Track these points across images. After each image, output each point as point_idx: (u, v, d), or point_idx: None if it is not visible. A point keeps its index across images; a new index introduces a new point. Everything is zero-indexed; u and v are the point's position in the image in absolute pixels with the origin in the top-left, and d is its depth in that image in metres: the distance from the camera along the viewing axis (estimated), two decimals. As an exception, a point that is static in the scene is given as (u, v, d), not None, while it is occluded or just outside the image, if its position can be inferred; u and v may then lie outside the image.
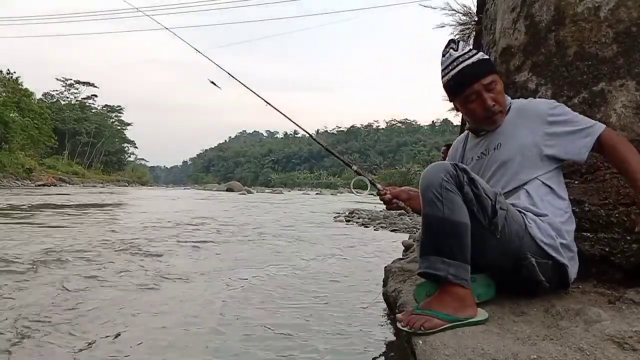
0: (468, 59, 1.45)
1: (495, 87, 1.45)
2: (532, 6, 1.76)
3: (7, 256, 2.85)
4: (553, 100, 1.47)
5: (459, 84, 1.46)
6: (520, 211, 1.34)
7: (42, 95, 54.32)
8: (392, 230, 5.71)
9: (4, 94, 32.22)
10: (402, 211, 1.56)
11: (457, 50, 1.47)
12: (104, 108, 64.04)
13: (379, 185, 1.57)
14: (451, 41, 1.51)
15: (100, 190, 20.68)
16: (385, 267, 2.14)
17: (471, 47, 1.50)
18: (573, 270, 1.36)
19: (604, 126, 1.36)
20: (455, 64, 1.46)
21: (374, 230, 5.80)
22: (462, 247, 1.23)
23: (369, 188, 1.64)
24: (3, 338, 1.49)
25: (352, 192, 1.68)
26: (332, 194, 26.63)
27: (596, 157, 1.53)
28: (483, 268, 1.37)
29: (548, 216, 1.33)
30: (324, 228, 5.90)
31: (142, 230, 4.69)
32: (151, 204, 10.83)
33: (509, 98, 1.52)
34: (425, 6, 3.41)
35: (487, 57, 1.49)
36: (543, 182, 1.37)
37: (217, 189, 26.55)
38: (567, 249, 1.33)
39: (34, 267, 2.61)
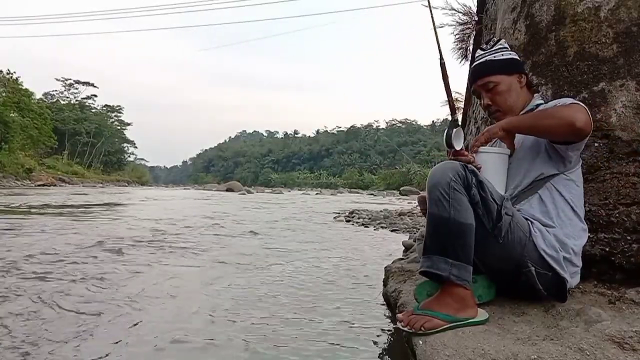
0: (480, 58, 1.53)
1: (495, 88, 1.48)
2: (532, 6, 1.76)
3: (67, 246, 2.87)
4: (568, 98, 1.45)
5: (468, 81, 1.61)
6: (527, 219, 1.33)
7: (42, 95, 54.40)
8: (392, 231, 5.70)
9: (4, 94, 32.22)
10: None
11: (483, 50, 1.54)
12: (104, 108, 64.01)
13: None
14: (489, 40, 1.59)
15: (103, 190, 20.68)
16: (386, 267, 2.15)
17: (503, 45, 1.53)
18: (573, 284, 1.35)
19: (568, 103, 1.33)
20: (474, 62, 1.56)
21: (374, 230, 5.79)
22: (465, 248, 1.22)
23: (462, 142, 1.52)
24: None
25: (447, 144, 1.49)
26: (332, 194, 26.60)
27: (596, 157, 1.53)
28: (483, 270, 1.37)
29: (555, 228, 1.32)
30: (324, 228, 5.89)
31: (160, 226, 4.70)
32: (156, 204, 10.82)
33: (539, 98, 1.53)
34: (426, 6, 3.41)
35: (498, 57, 1.49)
36: (560, 193, 1.36)
37: (217, 189, 26.53)
38: (570, 263, 1.31)
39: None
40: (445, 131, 1.53)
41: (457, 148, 1.50)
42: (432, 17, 1.60)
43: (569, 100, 1.37)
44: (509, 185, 1.43)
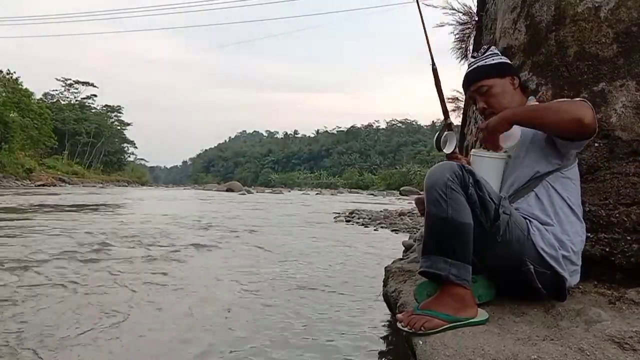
0: (472, 65, 1.55)
1: (489, 91, 1.50)
2: (533, 6, 1.76)
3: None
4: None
5: (463, 88, 1.61)
6: (525, 217, 1.33)
7: (42, 95, 54.35)
8: (392, 231, 5.70)
9: (4, 94, 32.21)
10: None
11: (474, 57, 1.57)
12: (104, 108, 63.97)
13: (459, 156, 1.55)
14: (482, 47, 1.61)
15: (105, 191, 20.72)
16: (386, 268, 2.14)
17: (494, 52, 1.56)
18: (572, 283, 1.35)
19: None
20: (467, 69, 1.57)
21: (374, 230, 5.79)
22: (464, 248, 1.23)
23: (454, 146, 1.56)
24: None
25: (438, 147, 1.56)
26: (332, 194, 26.61)
27: (596, 157, 1.53)
28: (483, 270, 1.37)
29: (554, 226, 1.32)
30: (324, 228, 5.89)
31: (160, 227, 4.71)
32: (158, 204, 10.84)
33: (533, 100, 1.54)
34: (427, 5, 3.41)
35: (489, 62, 1.52)
36: (557, 191, 1.35)
37: (217, 189, 26.50)
38: (569, 262, 1.31)
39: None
40: (436, 134, 1.56)
41: (447, 152, 1.51)
42: (424, 24, 1.64)
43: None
44: (505, 184, 1.43)
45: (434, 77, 1.62)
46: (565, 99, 1.39)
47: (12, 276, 2.40)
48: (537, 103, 1.52)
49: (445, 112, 1.64)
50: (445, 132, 1.55)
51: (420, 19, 1.65)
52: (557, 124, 1.27)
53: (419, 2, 1.69)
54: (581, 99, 1.32)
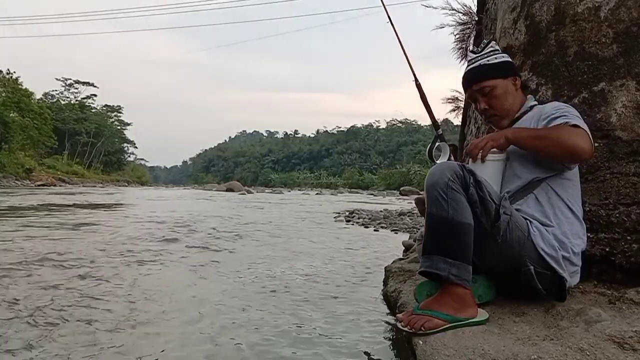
0: (474, 62, 1.52)
1: (492, 92, 1.48)
2: (533, 6, 1.76)
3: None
4: (563, 104, 1.45)
5: (463, 86, 1.59)
6: (526, 218, 1.33)
7: (42, 95, 54.46)
8: (392, 231, 5.70)
9: (4, 94, 32.26)
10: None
11: (475, 53, 1.54)
12: (104, 108, 64.04)
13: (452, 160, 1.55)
14: (482, 42, 1.59)
15: (108, 191, 20.77)
16: (386, 267, 2.15)
17: (494, 48, 1.54)
18: (572, 283, 1.35)
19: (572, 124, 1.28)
20: (467, 66, 1.56)
21: (374, 230, 5.79)
22: (464, 248, 1.23)
23: (447, 156, 1.56)
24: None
25: (431, 159, 1.57)
26: (332, 194, 26.61)
27: (596, 157, 1.53)
28: (482, 270, 1.37)
29: (554, 227, 1.32)
30: (324, 228, 5.89)
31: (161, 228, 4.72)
32: (165, 204, 10.85)
33: (533, 100, 1.53)
34: (426, 6, 3.41)
35: (492, 61, 1.50)
36: (556, 192, 1.35)
37: (217, 189, 26.47)
38: (569, 262, 1.31)
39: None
40: (429, 146, 1.57)
41: (439, 162, 1.51)
42: (401, 43, 1.66)
43: (568, 113, 1.33)
44: (504, 188, 1.42)
45: (419, 91, 1.62)
46: (560, 110, 1.35)
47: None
48: (537, 104, 1.51)
49: (435, 123, 1.64)
50: (437, 143, 1.55)
51: (398, 43, 1.69)
52: (554, 156, 1.30)
53: (394, 26, 1.72)
54: (578, 123, 1.28)
